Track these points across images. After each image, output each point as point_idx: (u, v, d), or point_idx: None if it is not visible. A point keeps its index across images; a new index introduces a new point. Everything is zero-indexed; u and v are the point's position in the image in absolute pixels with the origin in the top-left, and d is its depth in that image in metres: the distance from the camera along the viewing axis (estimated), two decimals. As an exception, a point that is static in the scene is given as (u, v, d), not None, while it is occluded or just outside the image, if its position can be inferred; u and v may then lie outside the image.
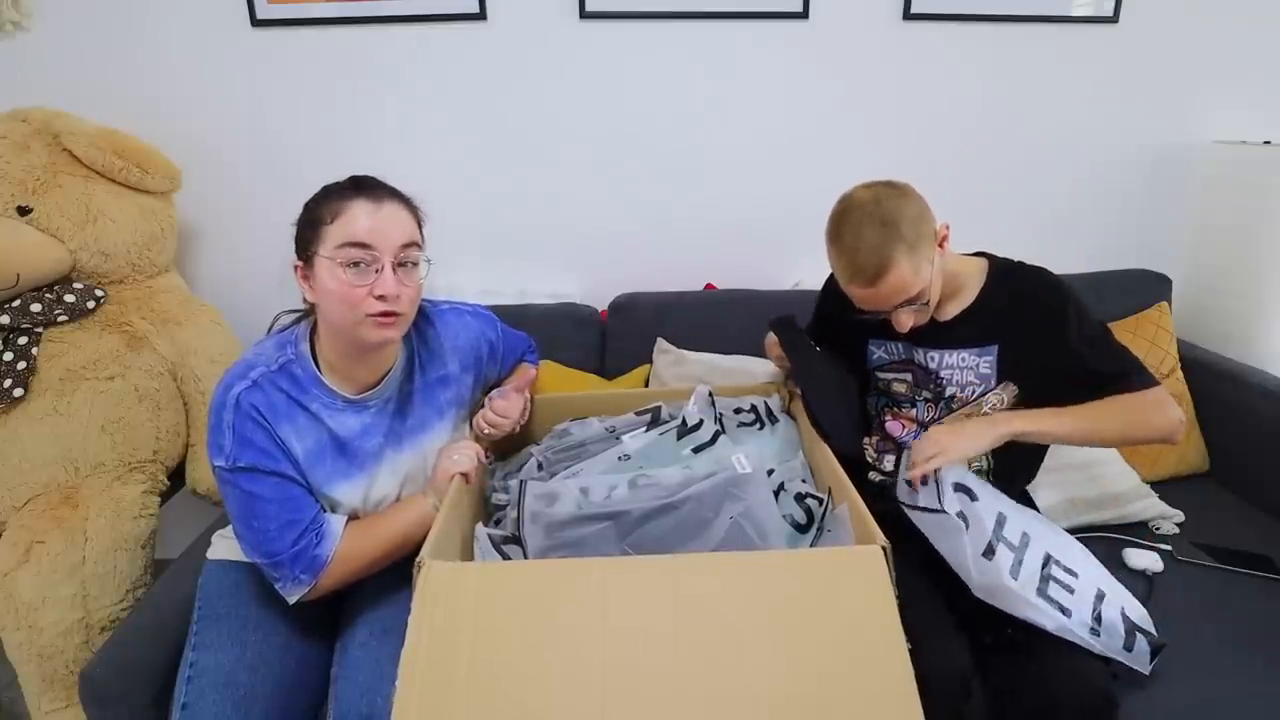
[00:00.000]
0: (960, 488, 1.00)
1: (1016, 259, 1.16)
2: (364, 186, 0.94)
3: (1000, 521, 0.99)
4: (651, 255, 1.81)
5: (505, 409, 1.13)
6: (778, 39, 1.70)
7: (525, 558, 0.93)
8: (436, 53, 1.67)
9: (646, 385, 1.61)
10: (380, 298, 0.91)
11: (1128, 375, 1.06)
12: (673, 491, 0.97)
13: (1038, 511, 1.21)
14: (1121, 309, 1.66)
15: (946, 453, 0.99)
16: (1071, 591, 0.97)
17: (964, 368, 1.13)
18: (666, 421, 1.16)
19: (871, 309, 1.08)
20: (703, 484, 0.96)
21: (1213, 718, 0.99)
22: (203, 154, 1.66)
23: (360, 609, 1.04)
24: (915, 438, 1.19)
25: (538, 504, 0.97)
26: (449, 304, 1.16)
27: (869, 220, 1.01)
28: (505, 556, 0.95)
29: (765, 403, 1.27)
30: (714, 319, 1.66)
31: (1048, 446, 1.22)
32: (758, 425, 1.23)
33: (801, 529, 1.00)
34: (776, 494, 1.02)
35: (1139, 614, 1.00)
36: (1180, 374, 1.62)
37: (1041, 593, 0.95)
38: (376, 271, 0.91)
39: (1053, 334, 1.07)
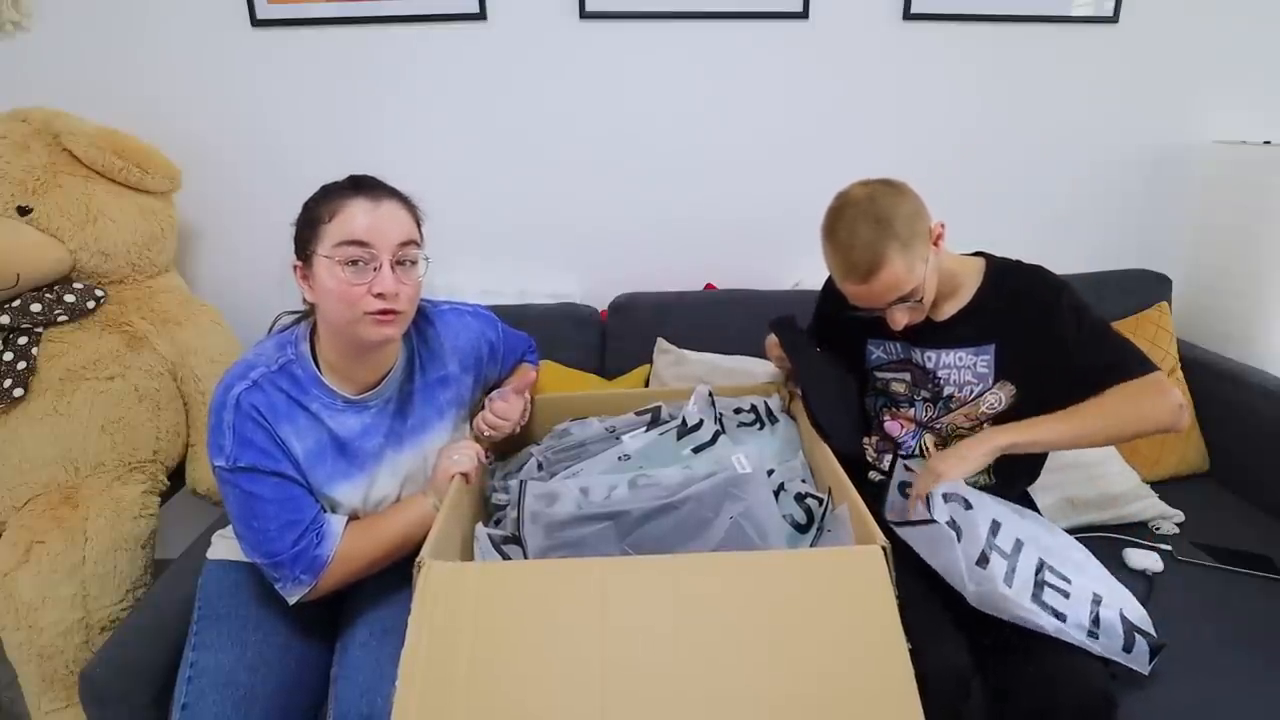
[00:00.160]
0: (952, 496, 0.99)
1: (1015, 259, 1.16)
2: (362, 185, 0.95)
3: (994, 528, 0.99)
4: (651, 255, 1.81)
5: (505, 411, 1.13)
6: (778, 39, 1.70)
7: (525, 558, 0.93)
8: (436, 53, 1.67)
9: (646, 385, 1.61)
10: (379, 295, 0.91)
11: (1126, 363, 1.04)
12: (673, 491, 0.97)
13: (1038, 512, 1.21)
14: (1121, 309, 1.66)
15: (941, 477, 0.99)
16: (1067, 596, 0.97)
17: (962, 367, 1.13)
18: (666, 421, 1.16)
19: (865, 306, 1.08)
20: (703, 484, 0.96)
21: (1213, 718, 0.99)
22: (203, 154, 1.66)
23: (360, 609, 1.04)
24: (914, 438, 1.19)
25: (538, 504, 0.97)
26: (449, 304, 1.16)
27: (863, 217, 1.01)
28: (505, 556, 0.95)
29: (765, 403, 1.27)
30: (714, 319, 1.65)
31: (1048, 448, 1.21)
32: (758, 425, 1.23)
33: (801, 529, 1.00)
34: (776, 494, 1.02)
35: (1138, 615, 1.00)
36: (1180, 374, 1.62)
37: (1036, 598, 0.95)
38: (375, 270, 0.91)
39: (1049, 329, 1.07)
